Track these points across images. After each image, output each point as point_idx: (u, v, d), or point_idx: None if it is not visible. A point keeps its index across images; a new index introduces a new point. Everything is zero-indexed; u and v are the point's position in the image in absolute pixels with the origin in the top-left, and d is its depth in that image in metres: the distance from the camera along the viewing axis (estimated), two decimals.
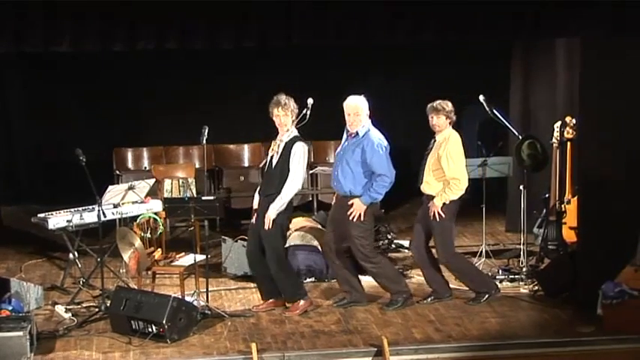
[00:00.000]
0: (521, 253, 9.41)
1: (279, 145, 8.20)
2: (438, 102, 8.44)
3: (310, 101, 9.15)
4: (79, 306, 8.54)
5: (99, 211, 8.42)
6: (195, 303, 8.17)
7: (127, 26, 7.52)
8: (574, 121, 9.31)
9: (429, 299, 8.62)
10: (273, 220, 8.07)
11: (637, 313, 7.71)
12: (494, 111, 9.43)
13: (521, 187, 9.42)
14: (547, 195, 9.73)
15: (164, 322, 7.58)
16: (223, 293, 9.02)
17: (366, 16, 7.79)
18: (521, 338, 7.77)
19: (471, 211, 9.66)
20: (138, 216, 8.87)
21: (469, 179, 8.50)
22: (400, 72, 12.64)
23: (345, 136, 8.44)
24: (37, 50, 7.51)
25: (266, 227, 8.09)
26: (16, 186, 12.85)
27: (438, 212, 8.31)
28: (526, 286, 8.98)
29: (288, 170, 8.09)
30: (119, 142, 12.42)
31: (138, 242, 8.37)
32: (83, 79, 12.30)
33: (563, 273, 8.56)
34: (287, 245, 8.86)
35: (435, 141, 8.50)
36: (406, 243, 10.07)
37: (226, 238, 9.62)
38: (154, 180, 9.85)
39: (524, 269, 9.22)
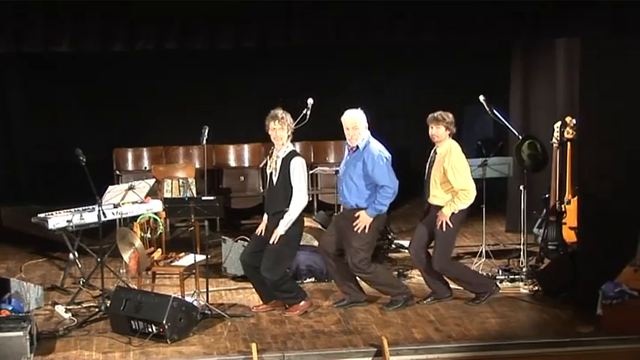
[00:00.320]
0: (521, 253, 9.41)
1: (276, 162, 8.19)
2: (439, 112, 8.39)
3: (310, 101, 9.15)
4: (79, 306, 8.54)
5: (99, 211, 8.42)
6: (195, 303, 8.16)
7: (126, 26, 7.52)
8: (574, 121, 9.30)
9: (429, 299, 8.61)
10: (283, 235, 8.11)
11: (637, 313, 7.71)
12: (494, 111, 9.42)
13: (521, 188, 9.41)
14: (547, 195, 9.71)
15: (164, 322, 7.58)
16: (223, 293, 9.02)
17: (366, 16, 7.78)
18: (521, 338, 7.77)
19: (471, 211, 9.63)
20: (138, 216, 8.86)
21: None
22: (400, 72, 12.63)
23: (346, 150, 8.44)
24: (37, 50, 7.51)
25: (271, 241, 8.11)
26: (16, 186, 12.85)
27: (447, 222, 8.30)
28: (526, 287, 8.98)
29: (291, 186, 8.09)
30: (119, 142, 12.40)
31: (138, 242, 8.36)
32: (83, 79, 12.29)
33: (563, 273, 8.56)
34: None
35: (435, 154, 8.45)
36: (406, 243, 10.01)
37: (226, 238, 9.61)
38: (153, 180, 9.85)
39: (524, 269, 9.22)
